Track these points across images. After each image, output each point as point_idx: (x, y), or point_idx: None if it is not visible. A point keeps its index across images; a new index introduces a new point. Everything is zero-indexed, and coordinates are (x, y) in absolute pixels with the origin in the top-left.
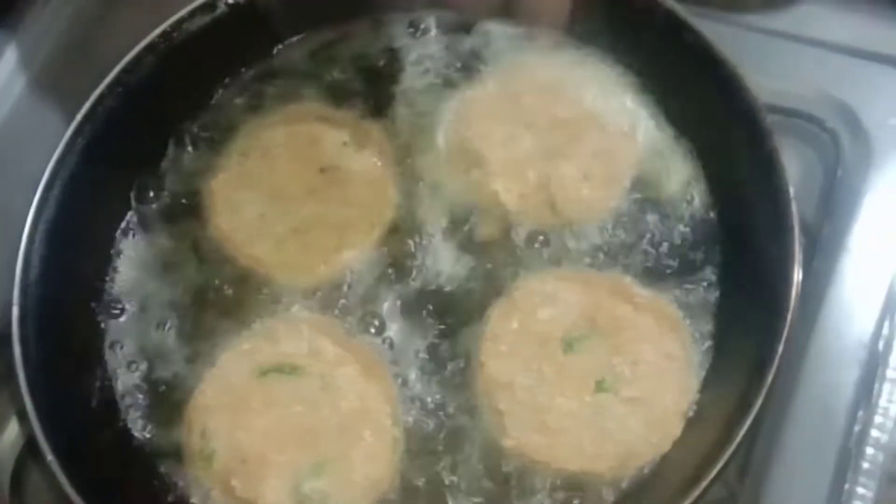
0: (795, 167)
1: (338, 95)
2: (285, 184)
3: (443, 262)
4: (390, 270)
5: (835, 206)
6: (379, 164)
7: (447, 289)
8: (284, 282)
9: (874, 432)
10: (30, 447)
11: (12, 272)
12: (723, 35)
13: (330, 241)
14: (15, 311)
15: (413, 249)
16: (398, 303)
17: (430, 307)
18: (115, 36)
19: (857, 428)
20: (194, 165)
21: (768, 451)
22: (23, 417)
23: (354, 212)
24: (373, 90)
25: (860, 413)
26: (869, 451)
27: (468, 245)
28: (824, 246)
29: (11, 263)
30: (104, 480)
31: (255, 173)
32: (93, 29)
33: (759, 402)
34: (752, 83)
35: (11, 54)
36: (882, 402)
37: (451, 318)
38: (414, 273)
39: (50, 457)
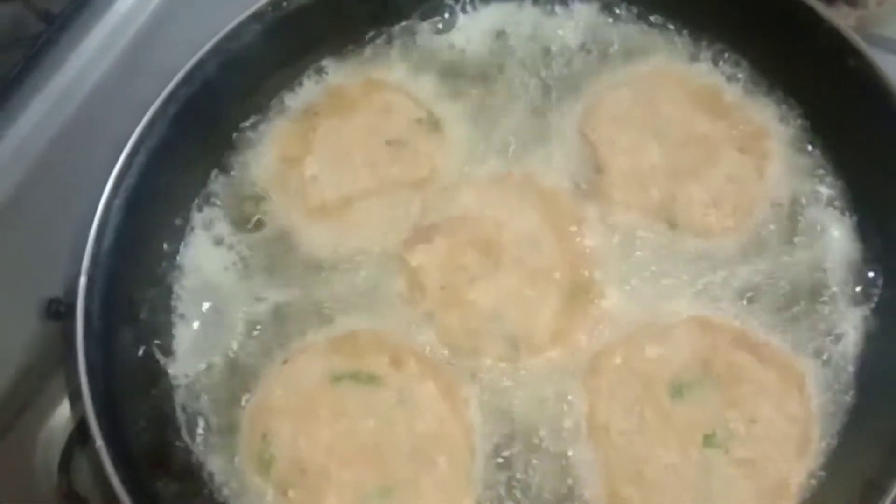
0: None
1: None
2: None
3: None
4: None
5: None
6: None
7: None
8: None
9: None
10: (80, 429)
11: (83, 242)
12: None
13: None
14: (83, 280)
15: None
16: None
17: None
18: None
19: None
20: None
21: None
22: (75, 400)
23: None
24: None
25: None
26: None
27: None
28: None
29: (84, 233)
30: (147, 468)
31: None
32: None
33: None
34: None
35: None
36: None
37: None
38: None
39: (99, 441)
